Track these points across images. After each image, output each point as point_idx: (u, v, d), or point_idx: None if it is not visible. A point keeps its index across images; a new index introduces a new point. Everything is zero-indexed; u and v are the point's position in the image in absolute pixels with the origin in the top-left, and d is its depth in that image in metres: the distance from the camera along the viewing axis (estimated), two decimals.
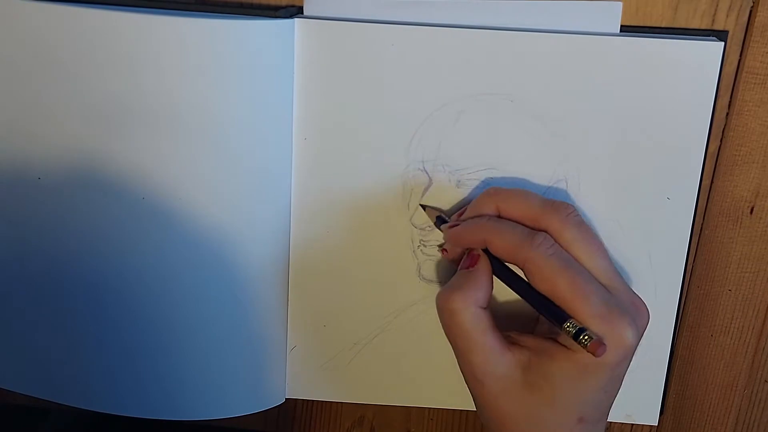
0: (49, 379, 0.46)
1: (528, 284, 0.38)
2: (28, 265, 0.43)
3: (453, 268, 0.44)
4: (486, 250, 0.39)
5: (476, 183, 0.42)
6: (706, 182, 0.43)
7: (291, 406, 0.49)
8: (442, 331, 0.45)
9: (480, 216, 0.40)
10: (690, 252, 0.43)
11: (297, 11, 0.41)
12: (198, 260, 0.42)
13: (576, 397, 0.37)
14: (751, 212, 0.44)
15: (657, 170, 0.42)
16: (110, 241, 0.42)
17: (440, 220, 0.42)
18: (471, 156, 0.42)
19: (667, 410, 0.49)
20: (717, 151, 0.43)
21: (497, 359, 0.38)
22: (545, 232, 0.38)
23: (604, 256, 0.38)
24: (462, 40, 0.40)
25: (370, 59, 0.40)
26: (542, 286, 0.37)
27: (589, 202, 0.42)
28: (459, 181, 0.42)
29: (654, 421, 0.47)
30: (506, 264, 0.39)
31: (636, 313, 0.38)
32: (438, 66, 0.40)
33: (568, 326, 0.36)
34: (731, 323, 0.46)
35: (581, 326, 0.35)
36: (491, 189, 0.41)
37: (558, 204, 0.39)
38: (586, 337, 0.35)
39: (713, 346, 0.47)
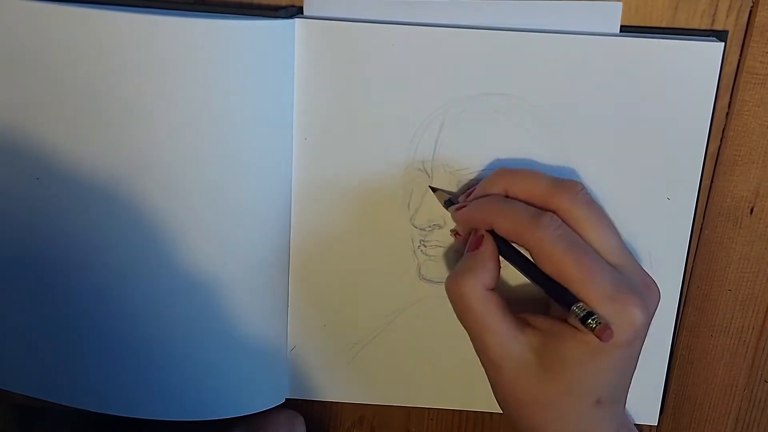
0: (48, 379, 0.46)
1: (535, 266, 0.37)
2: (27, 265, 0.43)
3: (453, 268, 0.44)
4: (493, 232, 0.39)
5: (476, 183, 0.42)
6: (706, 182, 0.43)
7: (291, 406, 0.49)
8: (442, 331, 0.45)
9: (487, 196, 0.40)
10: (690, 252, 0.43)
11: (297, 11, 0.41)
12: (198, 260, 0.42)
13: (590, 378, 0.37)
14: (751, 212, 0.44)
15: (657, 170, 0.42)
16: (109, 241, 0.42)
17: (449, 202, 0.41)
18: (471, 156, 0.42)
19: (666, 410, 0.48)
20: (717, 151, 0.43)
21: (511, 341, 0.37)
22: (554, 212, 0.37)
23: (614, 235, 0.38)
24: (462, 40, 0.40)
25: (370, 59, 0.40)
26: (549, 268, 0.36)
27: None
28: (459, 181, 0.42)
29: (654, 421, 0.47)
30: (514, 245, 0.39)
31: (646, 293, 0.37)
32: (438, 66, 0.40)
33: (576, 310, 0.35)
34: (731, 323, 0.46)
35: (589, 310, 0.35)
36: (500, 169, 0.40)
37: (566, 182, 0.38)
38: (594, 322, 0.35)
39: (713, 346, 0.47)
